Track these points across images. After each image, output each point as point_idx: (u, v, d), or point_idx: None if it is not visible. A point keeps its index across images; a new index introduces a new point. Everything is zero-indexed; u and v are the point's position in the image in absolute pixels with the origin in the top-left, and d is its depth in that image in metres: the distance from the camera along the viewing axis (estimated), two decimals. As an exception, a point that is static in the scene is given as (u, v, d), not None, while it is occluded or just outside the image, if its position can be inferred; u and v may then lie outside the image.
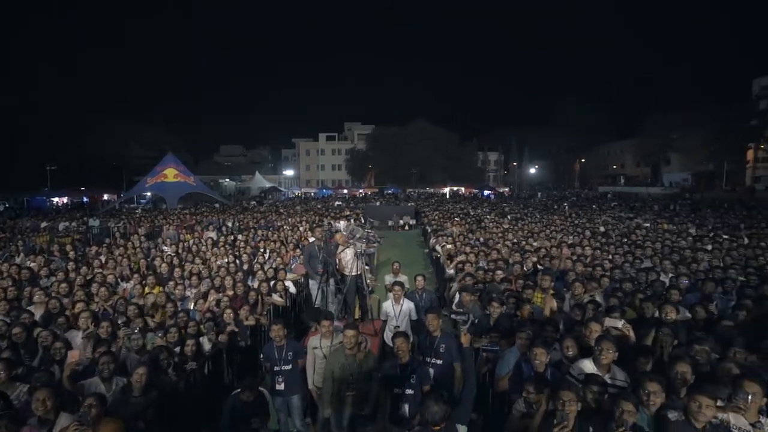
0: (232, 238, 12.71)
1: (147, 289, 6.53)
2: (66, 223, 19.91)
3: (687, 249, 9.62)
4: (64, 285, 6.30)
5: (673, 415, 2.81)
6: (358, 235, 6.19)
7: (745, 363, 3.42)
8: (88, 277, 7.38)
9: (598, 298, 5.67)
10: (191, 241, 11.69)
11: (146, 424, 3.48)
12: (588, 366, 3.50)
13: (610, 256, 8.68)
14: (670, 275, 7.08)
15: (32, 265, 8.68)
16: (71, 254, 9.97)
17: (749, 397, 2.74)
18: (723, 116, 37.55)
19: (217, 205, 29.52)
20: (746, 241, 10.98)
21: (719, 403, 2.77)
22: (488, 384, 4.47)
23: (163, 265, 7.99)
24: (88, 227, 18.44)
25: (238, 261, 8.70)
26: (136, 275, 7.28)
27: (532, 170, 64.63)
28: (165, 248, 11.14)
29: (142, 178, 34.35)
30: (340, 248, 6.63)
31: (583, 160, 60.97)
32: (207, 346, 4.72)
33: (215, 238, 12.04)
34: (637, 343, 4.04)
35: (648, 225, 15.01)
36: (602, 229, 13.87)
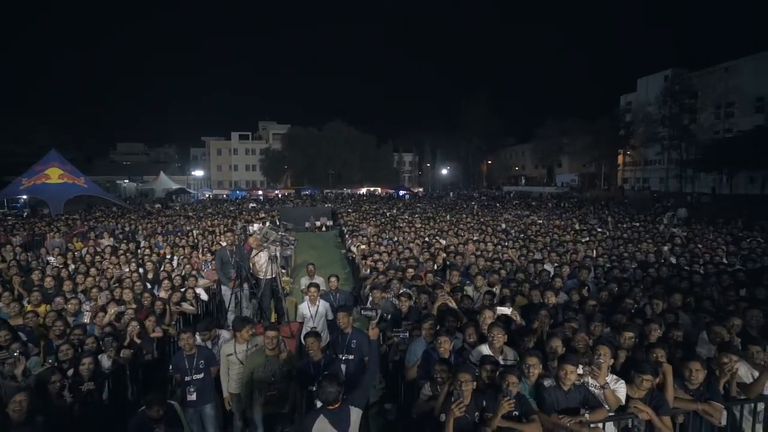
0: (134, 245, 11.67)
1: (29, 307, 5.79)
2: None
3: (570, 242, 11.08)
4: None
5: (547, 382, 3.35)
6: (271, 238, 6.17)
7: (601, 334, 4.16)
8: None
9: (497, 289, 6.36)
10: (84, 250, 10.50)
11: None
12: (484, 350, 3.97)
13: (508, 251, 9.68)
14: (555, 265, 8.15)
15: None
16: None
17: (601, 358, 3.39)
18: (601, 125, 43.76)
19: (114, 209, 26.64)
20: (613, 233, 12.96)
21: (579, 369, 3.36)
22: (400, 375, 4.80)
23: (48, 278, 7.09)
24: (-58, 238, 15.49)
25: (141, 269, 8.06)
26: (6, 293, 6.33)
27: (444, 171, 68.36)
28: (50, 259, 9.87)
29: (15, 178, 29.59)
30: (254, 252, 6.56)
31: (489, 162, 66.12)
32: (107, 362, 4.38)
33: (113, 246, 10.96)
34: (525, 326, 4.65)
35: (541, 221, 16.90)
36: (503, 226, 15.30)
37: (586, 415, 3.16)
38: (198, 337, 4.46)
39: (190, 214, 23.02)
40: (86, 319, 5.44)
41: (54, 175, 28.89)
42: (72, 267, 8.76)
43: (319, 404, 3.74)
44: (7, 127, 42.96)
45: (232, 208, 27.60)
